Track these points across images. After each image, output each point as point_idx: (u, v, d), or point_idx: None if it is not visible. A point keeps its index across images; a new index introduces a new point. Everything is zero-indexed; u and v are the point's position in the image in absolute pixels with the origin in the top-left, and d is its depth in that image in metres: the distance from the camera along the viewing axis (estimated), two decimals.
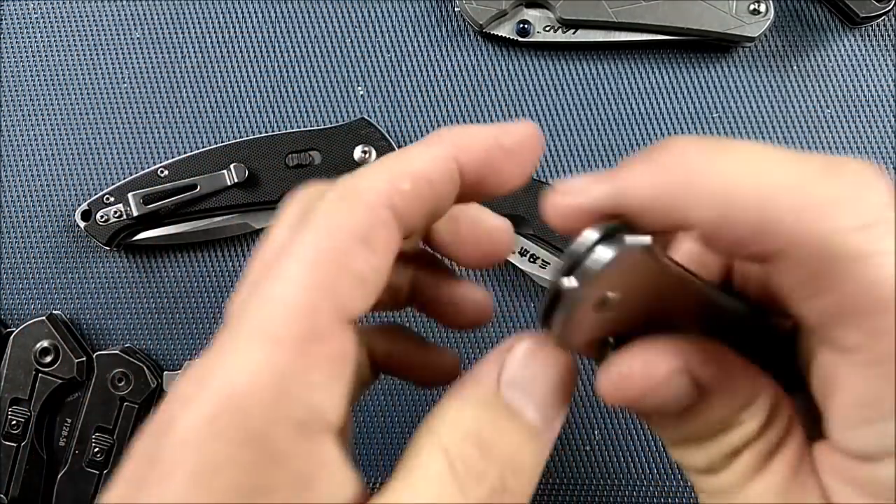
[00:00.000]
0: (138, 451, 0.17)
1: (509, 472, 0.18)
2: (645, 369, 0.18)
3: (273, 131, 0.46)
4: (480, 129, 0.20)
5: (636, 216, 0.18)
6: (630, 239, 0.17)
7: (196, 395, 0.16)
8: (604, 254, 0.17)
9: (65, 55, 0.48)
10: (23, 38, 0.48)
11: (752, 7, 0.43)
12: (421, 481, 0.17)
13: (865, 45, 0.46)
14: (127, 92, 0.47)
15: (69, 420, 0.44)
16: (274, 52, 0.47)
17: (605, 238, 0.18)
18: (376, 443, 0.44)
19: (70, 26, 0.48)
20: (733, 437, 0.19)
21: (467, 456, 0.17)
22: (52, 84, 0.48)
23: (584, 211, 0.19)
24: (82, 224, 0.44)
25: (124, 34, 0.48)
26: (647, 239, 0.17)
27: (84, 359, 0.44)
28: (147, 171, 0.44)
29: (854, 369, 0.17)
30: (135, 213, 0.43)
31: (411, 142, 0.46)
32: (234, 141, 0.45)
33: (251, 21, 0.48)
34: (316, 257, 0.18)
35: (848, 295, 0.16)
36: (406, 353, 0.25)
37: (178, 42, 0.48)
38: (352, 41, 0.47)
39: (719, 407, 0.19)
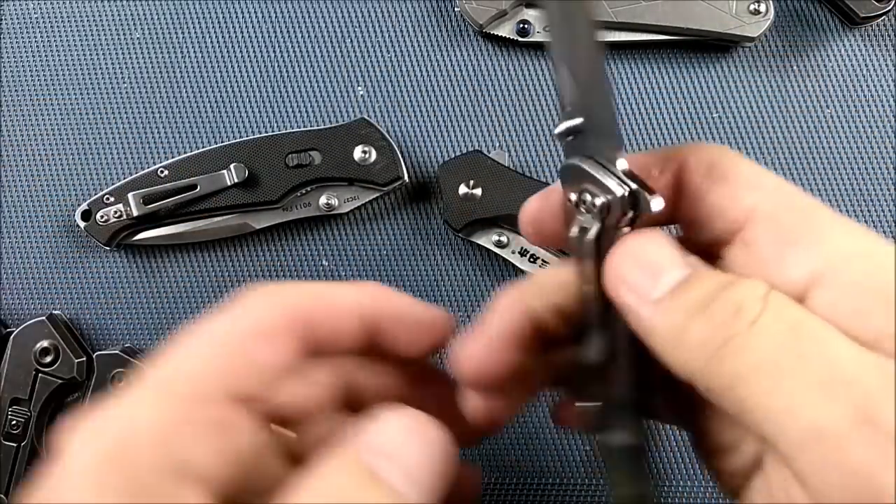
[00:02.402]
0: (40, 488, 0.19)
1: None
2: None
3: (273, 131, 0.46)
4: (399, 296, 0.24)
5: None
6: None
7: (90, 440, 0.19)
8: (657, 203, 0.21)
9: (65, 55, 0.48)
10: (23, 38, 0.48)
11: (752, 7, 0.43)
12: None
13: (865, 45, 0.46)
14: (127, 92, 0.47)
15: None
16: (274, 52, 0.47)
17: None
18: None
19: (70, 26, 0.48)
20: None
21: None
22: (52, 84, 0.48)
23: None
24: (82, 224, 0.44)
25: (124, 34, 0.48)
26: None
27: (84, 359, 0.44)
28: (147, 171, 0.44)
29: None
30: (135, 213, 0.43)
31: (411, 141, 0.47)
32: (234, 141, 0.45)
33: (251, 21, 0.48)
34: (218, 339, 0.21)
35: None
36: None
37: (178, 42, 0.48)
38: (352, 41, 0.47)
39: None
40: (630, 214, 0.21)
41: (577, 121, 0.23)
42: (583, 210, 0.22)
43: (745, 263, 0.22)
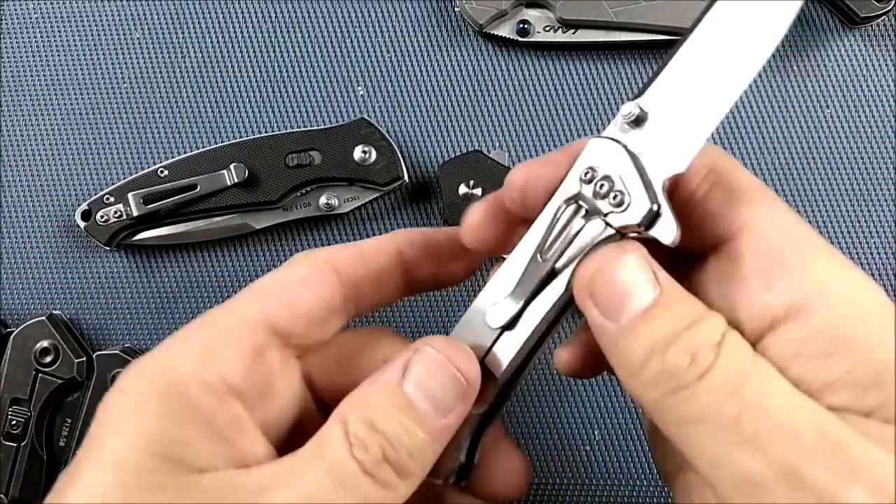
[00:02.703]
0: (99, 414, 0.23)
1: (391, 447, 0.22)
2: None
3: (273, 131, 0.46)
4: (423, 230, 0.27)
5: None
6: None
7: (141, 370, 0.24)
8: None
9: (65, 55, 0.48)
10: (23, 38, 0.48)
11: None
12: (325, 444, 0.22)
13: (865, 45, 0.46)
14: (127, 92, 0.47)
15: (69, 420, 0.44)
16: (274, 52, 0.47)
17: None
18: None
19: (70, 26, 0.48)
20: None
21: (360, 430, 0.22)
22: (52, 84, 0.48)
23: None
24: (82, 224, 0.44)
25: (124, 34, 0.48)
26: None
27: (84, 359, 0.44)
28: (147, 171, 0.44)
29: None
30: (135, 213, 0.43)
31: (411, 141, 0.47)
32: (234, 141, 0.45)
33: (251, 21, 0.48)
34: (258, 287, 0.25)
35: None
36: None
37: (178, 42, 0.48)
38: (352, 41, 0.47)
39: None
40: (640, 230, 0.21)
41: (653, 113, 0.22)
42: (586, 187, 0.23)
43: (727, 277, 0.22)
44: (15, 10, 0.48)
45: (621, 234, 0.22)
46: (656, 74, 0.23)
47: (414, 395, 0.23)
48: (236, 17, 0.48)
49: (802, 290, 0.21)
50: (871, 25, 0.46)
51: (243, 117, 0.47)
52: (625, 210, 0.22)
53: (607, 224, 0.22)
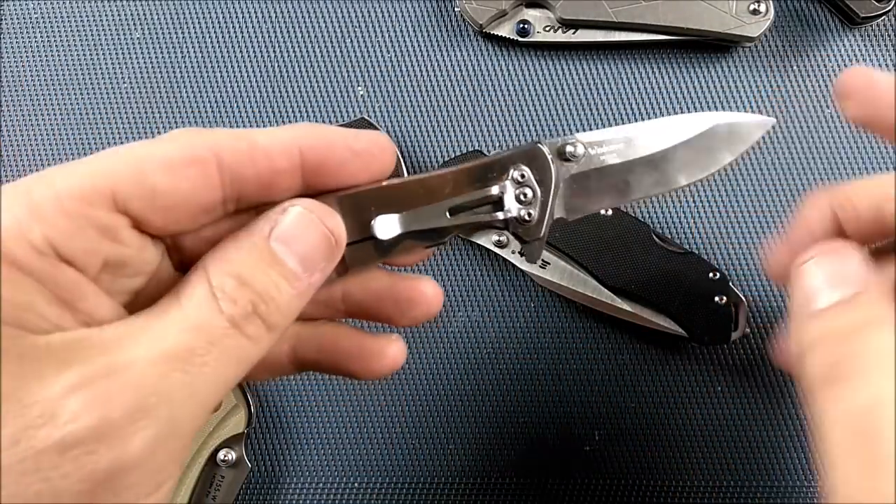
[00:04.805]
0: None
1: (261, 301, 0.22)
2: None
3: None
4: (330, 128, 0.25)
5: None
6: None
7: None
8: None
9: (65, 55, 0.48)
10: (23, 38, 0.48)
11: (752, 7, 0.43)
12: (186, 300, 0.21)
13: (865, 45, 0.46)
14: (127, 92, 0.47)
15: None
16: (274, 52, 0.47)
17: None
18: (376, 443, 0.44)
19: (70, 26, 0.48)
20: None
21: (226, 284, 0.21)
22: (52, 84, 0.48)
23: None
24: None
25: (124, 34, 0.48)
26: None
27: None
28: None
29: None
30: None
31: (411, 141, 0.47)
32: None
33: (251, 21, 0.48)
34: (123, 157, 0.22)
35: None
36: (339, 344, 0.27)
37: (178, 42, 0.48)
38: (352, 41, 0.47)
39: None
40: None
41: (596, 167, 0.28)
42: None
43: None
44: (15, 10, 0.48)
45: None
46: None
47: (283, 252, 0.22)
48: (236, 17, 0.48)
49: None
50: (871, 25, 0.46)
51: (243, 117, 0.47)
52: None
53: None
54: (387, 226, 0.25)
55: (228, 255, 0.22)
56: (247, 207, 0.24)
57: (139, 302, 0.22)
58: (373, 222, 0.25)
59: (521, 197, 0.26)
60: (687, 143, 0.28)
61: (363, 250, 0.25)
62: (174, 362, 0.20)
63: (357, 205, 0.25)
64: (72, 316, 0.20)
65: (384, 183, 0.25)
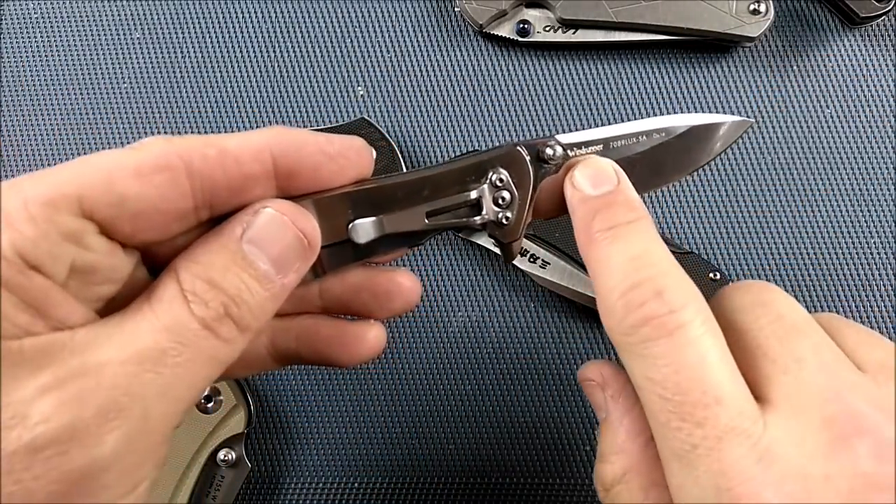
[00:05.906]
0: None
1: (233, 303, 0.22)
2: None
3: None
4: (302, 132, 0.24)
5: None
6: None
7: None
8: None
9: (65, 55, 0.48)
10: (23, 38, 0.48)
11: (752, 7, 0.43)
12: (157, 302, 0.21)
13: (865, 45, 0.46)
14: (127, 92, 0.48)
15: None
16: (274, 52, 0.47)
17: None
18: (376, 443, 0.44)
19: (70, 26, 0.48)
20: None
21: (197, 286, 0.21)
22: (52, 84, 0.48)
23: None
24: None
25: (124, 34, 0.48)
26: None
27: None
28: None
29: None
30: None
31: (411, 142, 0.47)
32: None
33: (251, 21, 0.48)
34: (95, 165, 0.21)
35: None
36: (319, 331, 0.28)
37: (178, 42, 0.48)
38: (352, 41, 0.47)
39: None
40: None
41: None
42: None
43: None
44: (15, 10, 0.48)
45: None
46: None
47: (254, 254, 0.22)
48: (236, 17, 0.48)
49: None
50: (871, 25, 0.46)
51: (243, 117, 0.47)
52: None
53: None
54: (364, 229, 0.25)
55: (199, 257, 0.22)
56: (221, 215, 0.23)
57: (113, 310, 0.22)
58: (350, 225, 0.25)
59: (500, 200, 0.26)
60: (665, 144, 0.28)
61: (340, 253, 0.25)
62: (146, 363, 0.20)
63: (333, 207, 0.25)
64: (43, 322, 0.20)
65: (362, 186, 0.25)
